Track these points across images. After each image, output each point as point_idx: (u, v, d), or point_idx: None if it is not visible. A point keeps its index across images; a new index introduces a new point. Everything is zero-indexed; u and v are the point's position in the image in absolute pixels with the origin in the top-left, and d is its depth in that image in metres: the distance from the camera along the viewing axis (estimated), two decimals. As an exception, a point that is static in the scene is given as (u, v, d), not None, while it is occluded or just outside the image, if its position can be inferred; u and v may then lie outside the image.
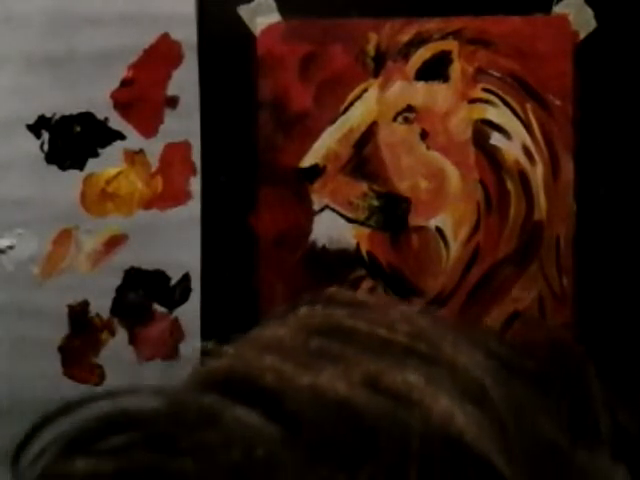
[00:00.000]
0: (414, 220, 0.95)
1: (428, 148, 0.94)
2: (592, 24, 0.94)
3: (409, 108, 0.94)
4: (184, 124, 0.94)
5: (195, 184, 0.94)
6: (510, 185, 0.95)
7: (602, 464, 0.28)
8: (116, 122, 0.94)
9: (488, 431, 0.28)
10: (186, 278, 0.95)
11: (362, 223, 0.94)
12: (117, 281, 0.95)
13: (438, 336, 0.31)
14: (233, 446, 0.28)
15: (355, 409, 0.28)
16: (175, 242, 0.94)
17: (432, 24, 0.94)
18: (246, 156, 0.94)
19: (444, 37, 0.94)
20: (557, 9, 0.94)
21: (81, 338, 0.94)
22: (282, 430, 0.28)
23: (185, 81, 0.93)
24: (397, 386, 0.29)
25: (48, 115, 0.93)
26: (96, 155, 0.94)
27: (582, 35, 0.94)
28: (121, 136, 0.94)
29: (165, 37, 0.93)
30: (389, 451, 0.27)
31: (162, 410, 0.30)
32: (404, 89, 0.94)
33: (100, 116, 0.93)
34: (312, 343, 0.31)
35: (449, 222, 0.95)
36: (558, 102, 0.94)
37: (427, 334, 0.31)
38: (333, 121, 0.94)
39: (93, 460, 0.29)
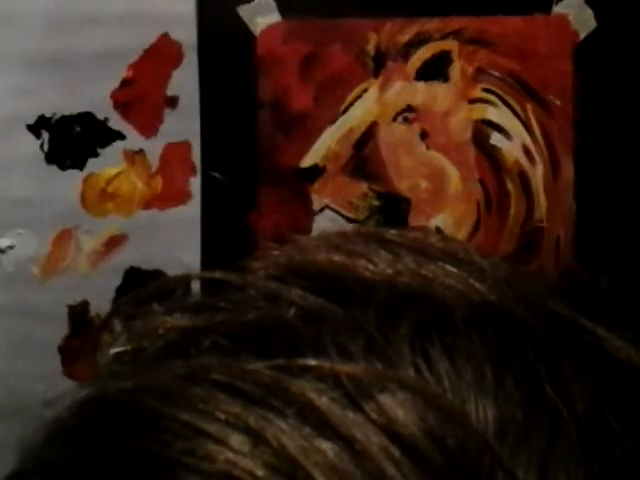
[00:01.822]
0: (414, 220, 0.95)
1: (428, 148, 0.94)
2: (592, 24, 0.94)
3: (409, 108, 0.94)
4: (184, 124, 0.94)
5: (195, 184, 0.94)
6: (510, 185, 0.95)
7: (615, 339, 0.33)
8: (116, 122, 0.94)
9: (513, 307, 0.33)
10: (186, 278, 0.94)
11: (362, 223, 0.94)
12: (117, 281, 0.94)
13: (468, 247, 0.37)
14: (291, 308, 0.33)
15: (397, 288, 0.34)
16: (175, 242, 0.94)
17: (432, 24, 0.94)
18: (246, 156, 0.94)
19: (444, 37, 0.94)
20: (557, 9, 0.94)
21: (81, 338, 0.94)
22: (330, 302, 0.33)
23: (185, 81, 0.93)
24: (436, 275, 0.34)
25: (48, 115, 0.93)
26: (96, 155, 0.94)
27: (582, 35, 0.94)
28: (121, 136, 0.94)
29: (165, 37, 0.93)
30: (429, 309, 0.33)
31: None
32: (404, 89, 0.94)
33: (100, 116, 0.93)
34: (361, 243, 0.37)
35: (449, 222, 0.95)
36: (558, 102, 0.94)
37: (458, 242, 0.37)
38: (333, 121, 0.94)
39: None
